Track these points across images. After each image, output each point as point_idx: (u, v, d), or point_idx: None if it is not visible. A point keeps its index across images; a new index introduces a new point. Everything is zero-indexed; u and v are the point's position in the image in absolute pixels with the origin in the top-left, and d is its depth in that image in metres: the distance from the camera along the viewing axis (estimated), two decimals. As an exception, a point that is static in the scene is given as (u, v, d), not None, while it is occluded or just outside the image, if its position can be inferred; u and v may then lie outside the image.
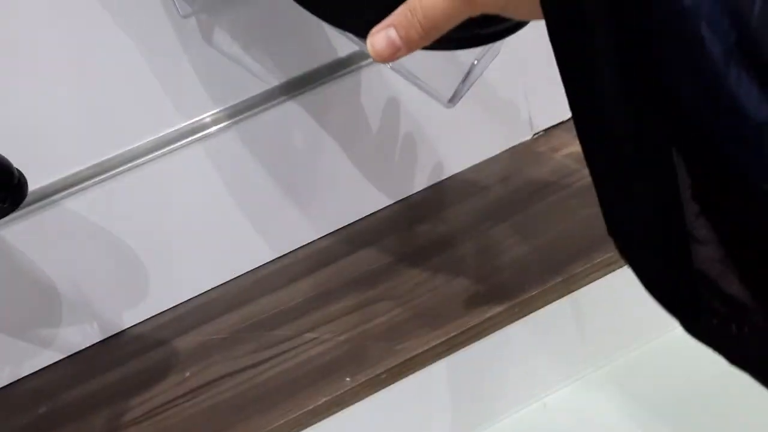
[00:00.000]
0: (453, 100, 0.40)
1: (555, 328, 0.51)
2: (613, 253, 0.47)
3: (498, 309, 0.49)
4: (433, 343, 0.48)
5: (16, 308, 0.53)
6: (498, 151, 0.63)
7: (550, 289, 0.50)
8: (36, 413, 0.51)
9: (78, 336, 0.55)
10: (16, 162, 0.39)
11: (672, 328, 0.43)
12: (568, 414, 0.53)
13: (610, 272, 0.50)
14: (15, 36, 0.46)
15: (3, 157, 0.38)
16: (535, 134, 0.64)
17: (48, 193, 0.50)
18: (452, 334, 0.48)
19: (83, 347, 0.56)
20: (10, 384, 0.54)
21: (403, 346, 0.48)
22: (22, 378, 0.55)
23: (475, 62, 0.38)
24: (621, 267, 0.49)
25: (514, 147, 0.64)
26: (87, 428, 0.48)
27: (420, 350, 0.47)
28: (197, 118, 0.52)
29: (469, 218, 0.57)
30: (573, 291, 0.50)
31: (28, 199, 0.46)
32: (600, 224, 0.28)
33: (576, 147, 0.61)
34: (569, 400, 0.54)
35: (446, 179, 0.62)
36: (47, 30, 0.46)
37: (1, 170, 0.38)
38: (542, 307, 0.50)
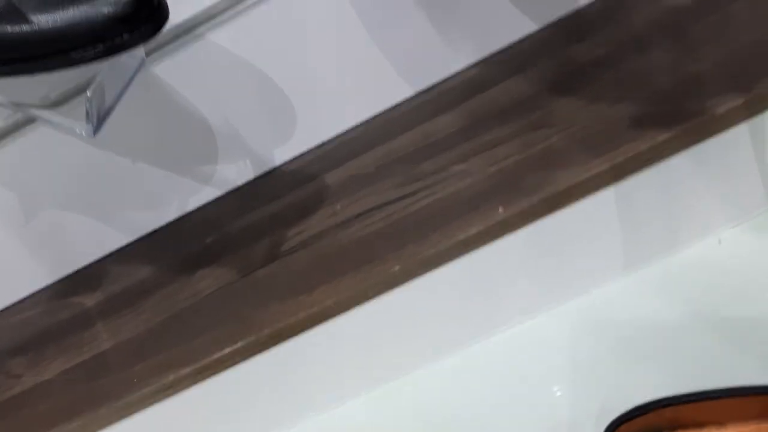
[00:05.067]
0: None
1: (735, 156, 0.45)
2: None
3: (668, 134, 0.43)
4: (596, 170, 0.44)
5: (175, 146, 0.54)
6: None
7: (731, 111, 0.43)
8: (204, 242, 0.54)
9: (233, 173, 0.56)
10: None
11: None
12: (745, 252, 0.48)
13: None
14: None
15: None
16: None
17: (191, 27, 0.49)
18: (618, 160, 0.43)
19: (239, 184, 0.57)
20: (178, 218, 0.57)
21: (562, 174, 0.45)
22: (188, 213, 0.57)
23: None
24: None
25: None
26: (250, 254, 0.50)
27: (581, 178, 0.44)
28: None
29: (637, 29, 0.51)
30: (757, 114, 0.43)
31: (174, 33, 0.46)
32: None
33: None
34: (745, 240, 0.48)
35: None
36: None
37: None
38: (721, 131, 0.44)
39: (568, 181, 0.44)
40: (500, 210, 0.45)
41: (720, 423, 0.36)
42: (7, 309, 0.59)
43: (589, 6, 0.55)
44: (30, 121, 0.51)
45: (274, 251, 0.49)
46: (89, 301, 0.56)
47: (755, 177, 0.47)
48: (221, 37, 0.50)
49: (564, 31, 0.54)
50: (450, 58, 0.55)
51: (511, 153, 0.48)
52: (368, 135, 0.56)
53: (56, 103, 0.49)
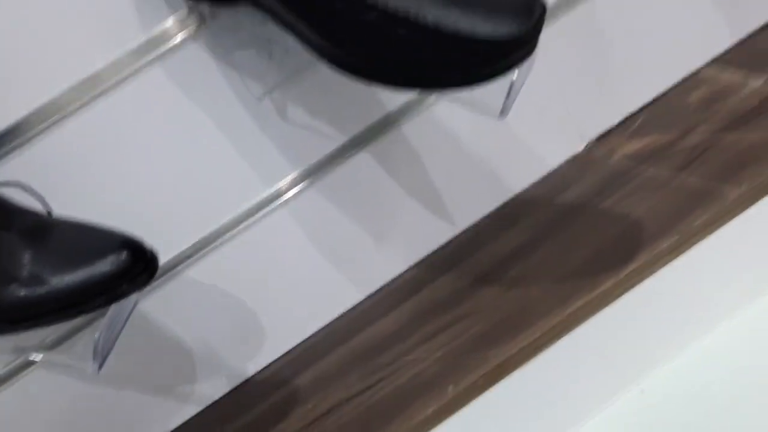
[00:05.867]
0: (503, 112, 0.45)
1: (633, 316, 0.55)
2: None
3: (572, 309, 0.53)
4: (519, 347, 0.52)
5: (156, 370, 0.61)
6: (555, 166, 0.68)
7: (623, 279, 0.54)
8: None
9: (210, 389, 0.63)
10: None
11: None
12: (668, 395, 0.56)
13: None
14: (128, 131, 0.55)
15: (135, 236, 0.46)
16: (587, 145, 0.69)
17: (168, 267, 0.59)
18: (535, 336, 0.52)
19: (216, 398, 0.63)
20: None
21: (492, 352, 0.53)
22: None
23: (515, 77, 0.43)
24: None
25: (568, 159, 0.68)
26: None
27: (508, 354, 0.52)
28: (280, 184, 0.60)
29: (534, 230, 0.62)
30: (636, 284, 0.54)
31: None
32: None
33: (628, 148, 0.66)
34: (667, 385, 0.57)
35: (508, 200, 0.67)
36: (153, 124, 0.55)
37: (137, 247, 0.46)
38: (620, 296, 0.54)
39: (498, 358, 0.52)
40: (450, 389, 0.52)
41: None
42: None
43: (501, 207, 0.67)
44: (25, 366, 0.57)
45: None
46: None
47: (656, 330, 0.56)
48: (196, 273, 0.59)
49: (477, 235, 0.65)
50: (391, 264, 0.65)
51: (450, 339, 0.56)
52: (329, 337, 0.64)
53: (53, 345, 0.56)
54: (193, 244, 0.59)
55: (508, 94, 0.44)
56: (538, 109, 0.65)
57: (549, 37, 0.61)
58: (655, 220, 0.56)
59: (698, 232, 0.53)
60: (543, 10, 0.41)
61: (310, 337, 0.64)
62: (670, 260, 0.53)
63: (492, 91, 0.44)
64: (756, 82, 0.63)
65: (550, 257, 0.59)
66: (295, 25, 0.41)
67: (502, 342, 0.54)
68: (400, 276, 0.66)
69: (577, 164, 0.67)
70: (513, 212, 0.66)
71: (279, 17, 0.42)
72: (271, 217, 0.61)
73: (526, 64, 0.42)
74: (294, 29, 0.42)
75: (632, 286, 0.53)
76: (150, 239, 0.53)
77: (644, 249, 0.54)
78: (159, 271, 0.58)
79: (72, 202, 0.52)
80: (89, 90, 0.53)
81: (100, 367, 0.48)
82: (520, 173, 0.68)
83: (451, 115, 0.64)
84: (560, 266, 0.58)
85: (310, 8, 0.40)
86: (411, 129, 0.63)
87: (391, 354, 0.59)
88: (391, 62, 0.40)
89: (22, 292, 0.44)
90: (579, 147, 0.68)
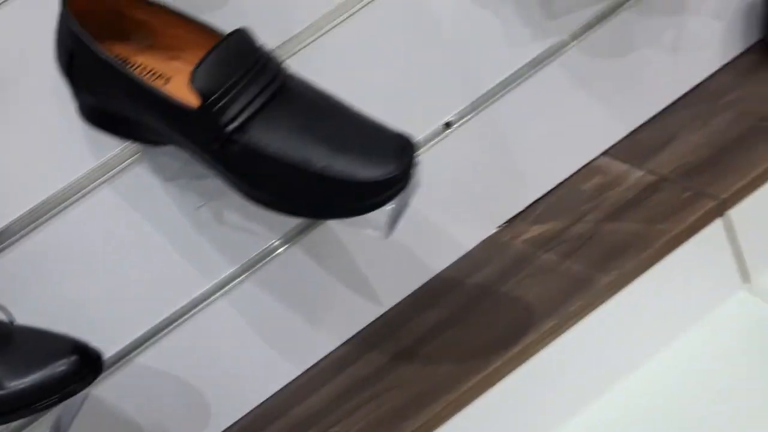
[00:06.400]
0: (387, 234, 0.54)
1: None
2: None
3: (473, 381, 0.61)
4: (426, 419, 0.60)
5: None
6: (470, 248, 0.77)
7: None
8: None
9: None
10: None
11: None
12: None
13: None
14: (85, 241, 0.63)
15: (82, 341, 0.54)
16: (498, 227, 0.77)
17: (121, 355, 0.66)
18: (437, 410, 0.61)
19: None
20: None
21: (406, 423, 0.61)
22: None
23: (392, 206, 0.51)
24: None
25: (481, 242, 0.77)
26: None
27: (416, 426, 0.60)
28: (219, 278, 0.68)
29: (448, 310, 0.71)
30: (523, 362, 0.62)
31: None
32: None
33: (530, 233, 0.74)
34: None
35: (429, 280, 0.75)
36: (106, 235, 0.64)
37: (85, 351, 0.54)
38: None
39: (409, 429, 0.60)
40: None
41: None
42: None
43: (422, 287, 0.75)
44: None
45: None
46: None
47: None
48: (146, 360, 0.67)
49: (400, 315, 0.73)
50: (323, 343, 0.73)
51: (369, 412, 0.64)
52: (269, 411, 0.71)
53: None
54: (143, 334, 0.67)
55: (390, 219, 0.52)
56: (455, 197, 0.74)
57: (466, 138, 0.71)
58: (541, 303, 0.64)
59: (574, 316, 0.62)
60: (413, 150, 0.50)
61: (251, 412, 0.72)
62: (551, 341, 0.62)
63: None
64: (636, 174, 0.73)
65: (458, 336, 0.67)
66: (214, 166, 0.50)
67: (413, 415, 0.62)
68: (332, 353, 0.74)
69: (488, 246, 0.76)
70: (432, 292, 0.75)
71: (200, 160, 0.51)
72: (212, 307, 0.69)
73: (404, 194, 0.51)
74: (213, 169, 0.51)
75: (520, 364, 0.62)
76: (104, 331, 0.62)
77: (530, 331, 0.62)
78: (112, 359, 0.66)
79: (33, 307, 0.61)
80: (49, 208, 0.62)
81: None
82: (440, 256, 0.76)
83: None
84: (464, 345, 0.66)
85: (224, 156, 0.48)
86: (336, 223, 0.71)
87: (320, 427, 0.66)
88: (289, 200, 0.48)
89: None
90: (490, 231, 0.77)
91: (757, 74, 0.75)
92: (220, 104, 0.46)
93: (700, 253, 0.65)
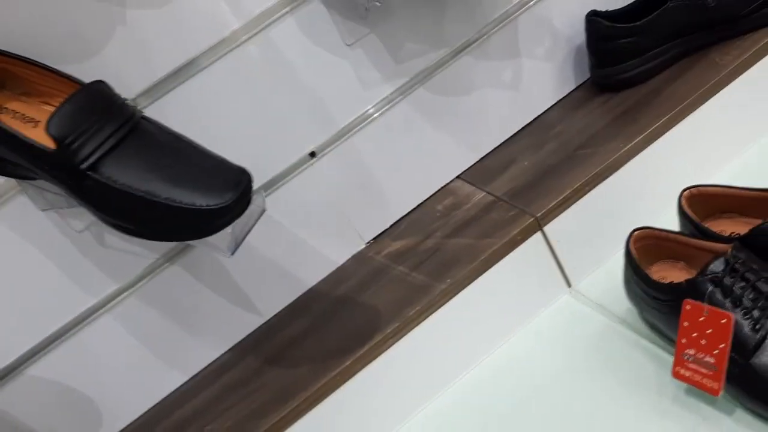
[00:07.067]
0: (231, 253, 0.62)
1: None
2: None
3: (325, 379, 0.71)
4: (283, 414, 0.69)
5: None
6: (341, 262, 0.86)
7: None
8: None
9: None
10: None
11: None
12: None
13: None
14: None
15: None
16: (366, 243, 0.87)
17: (11, 368, 0.73)
18: (294, 404, 0.69)
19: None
20: None
21: (263, 420, 0.70)
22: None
23: (230, 230, 0.60)
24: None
25: (354, 255, 0.86)
26: None
27: (273, 422, 0.69)
28: (103, 294, 0.76)
29: (315, 318, 0.80)
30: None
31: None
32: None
33: (390, 248, 0.84)
34: None
35: (304, 293, 0.84)
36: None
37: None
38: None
39: (267, 425, 0.69)
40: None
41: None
42: None
43: (298, 299, 0.84)
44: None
45: None
46: None
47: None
48: (36, 371, 0.74)
49: (281, 318, 0.82)
50: (208, 351, 0.81)
51: (241, 410, 0.73)
52: (156, 415, 0.79)
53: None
54: (32, 348, 0.74)
55: (232, 240, 0.61)
56: (326, 218, 0.84)
57: (333, 165, 0.80)
58: (388, 310, 0.74)
59: (413, 320, 0.72)
60: (249, 180, 0.59)
61: (140, 417, 0.80)
62: (394, 343, 0.71)
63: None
64: (479, 195, 0.83)
65: (319, 340, 0.76)
66: (74, 198, 0.58)
67: (274, 411, 0.70)
68: (216, 360, 0.82)
69: (356, 260, 0.86)
70: (305, 303, 0.84)
71: (63, 193, 0.59)
72: (98, 322, 0.76)
73: (243, 218, 0.60)
74: (75, 200, 0.59)
75: (367, 363, 0.71)
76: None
77: (376, 334, 0.72)
78: (3, 371, 0.73)
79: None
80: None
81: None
82: (315, 270, 0.85)
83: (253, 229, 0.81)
84: (323, 348, 0.75)
85: (80, 190, 0.57)
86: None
87: (197, 425, 0.74)
88: (141, 227, 0.57)
89: None
90: (360, 246, 0.87)
91: (580, 109, 0.87)
92: (73, 146, 0.54)
93: (526, 262, 0.76)
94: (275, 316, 0.84)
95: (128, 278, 0.77)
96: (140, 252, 0.77)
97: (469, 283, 0.73)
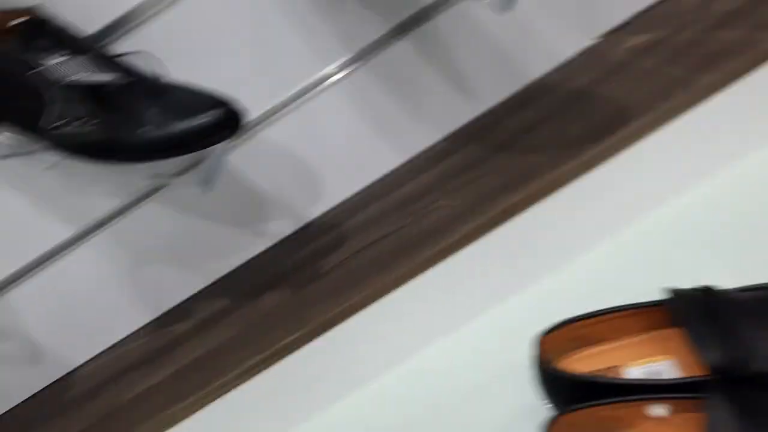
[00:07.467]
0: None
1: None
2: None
3: (564, 168, 0.67)
4: (521, 196, 0.67)
5: (241, 212, 0.78)
6: (569, 56, 0.80)
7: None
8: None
9: (279, 228, 0.80)
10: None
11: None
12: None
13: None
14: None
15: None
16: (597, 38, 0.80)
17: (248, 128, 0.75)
18: (532, 191, 0.67)
19: (284, 235, 0.80)
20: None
21: (500, 200, 0.68)
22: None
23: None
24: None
25: (580, 51, 0.80)
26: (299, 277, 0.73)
27: (512, 202, 0.67)
28: (332, 66, 0.74)
29: (544, 110, 0.76)
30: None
31: None
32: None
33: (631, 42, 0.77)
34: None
35: (526, 85, 0.80)
36: None
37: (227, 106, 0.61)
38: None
39: (505, 203, 0.67)
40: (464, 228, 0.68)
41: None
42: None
43: (520, 91, 0.80)
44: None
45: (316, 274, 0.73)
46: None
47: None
48: (271, 134, 0.75)
49: (502, 109, 0.79)
50: (425, 136, 0.80)
51: (470, 191, 0.71)
52: (374, 191, 0.79)
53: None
54: (266, 111, 0.74)
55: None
56: (555, 8, 0.77)
57: None
58: (638, 102, 0.68)
59: (673, 113, 0.66)
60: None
61: (359, 192, 0.80)
62: (648, 133, 0.66)
63: None
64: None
65: (551, 132, 0.73)
66: None
67: (508, 192, 0.68)
68: (432, 147, 0.80)
69: (586, 55, 0.80)
70: (529, 95, 0.79)
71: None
72: (326, 93, 0.75)
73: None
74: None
75: (613, 153, 0.67)
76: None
77: (625, 125, 0.67)
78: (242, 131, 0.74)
79: None
80: None
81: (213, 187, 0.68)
82: (538, 62, 0.80)
83: (478, 12, 0.76)
84: (557, 139, 0.71)
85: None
86: (444, 22, 0.75)
87: (423, 203, 0.74)
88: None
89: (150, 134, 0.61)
90: (590, 40, 0.80)
91: None
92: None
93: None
94: (495, 106, 0.80)
95: (357, 48, 0.74)
96: (373, 20, 0.73)
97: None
